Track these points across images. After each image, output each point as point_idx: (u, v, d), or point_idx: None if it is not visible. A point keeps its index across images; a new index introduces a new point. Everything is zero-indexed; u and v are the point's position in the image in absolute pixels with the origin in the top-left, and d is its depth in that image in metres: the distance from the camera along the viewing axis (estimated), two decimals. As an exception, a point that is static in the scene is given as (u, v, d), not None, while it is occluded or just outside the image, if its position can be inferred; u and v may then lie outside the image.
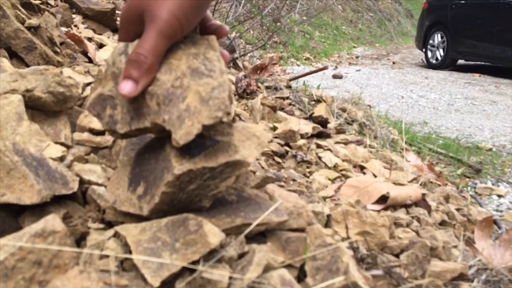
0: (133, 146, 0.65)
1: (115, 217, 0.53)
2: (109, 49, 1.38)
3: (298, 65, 6.41)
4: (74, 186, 0.55)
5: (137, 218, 0.52)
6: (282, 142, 1.11)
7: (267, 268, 0.48)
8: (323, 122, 1.30)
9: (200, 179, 0.49)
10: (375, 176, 1.09)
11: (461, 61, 7.04)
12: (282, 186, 0.81)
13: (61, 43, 1.18)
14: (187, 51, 0.51)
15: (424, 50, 7.30)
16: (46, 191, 0.50)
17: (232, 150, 0.51)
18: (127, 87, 0.49)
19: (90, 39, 1.39)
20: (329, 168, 1.08)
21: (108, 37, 1.54)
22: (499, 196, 2.03)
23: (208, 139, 0.51)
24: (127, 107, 0.53)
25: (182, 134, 0.47)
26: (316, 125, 1.24)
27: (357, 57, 8.14)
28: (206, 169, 0.49)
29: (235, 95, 1.47)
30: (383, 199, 0.88)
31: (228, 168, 0.50)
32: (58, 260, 0.43)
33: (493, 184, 2.18)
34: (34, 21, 1.03)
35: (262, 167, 0.93)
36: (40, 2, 1.37)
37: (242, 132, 0.53)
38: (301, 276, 0.53)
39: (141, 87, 0.50)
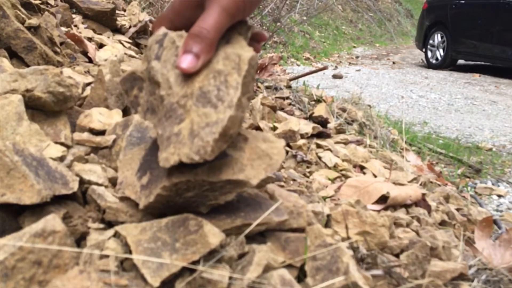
0: (133, 146, 0.65)
1: (115, 217, 0.53)
2: (109, 49, 1.38)
3: (298, 65, 6.41)
4: (74, 186, 0.55)
5: (136, 217, 0.52)
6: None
7: (267, 268, 0.48)
8: (323, 122, 1.30)
9: (198, 189, 0.49)
10: (375, 176, 1.09)
11: (461, 61, 7.04)
12: (282, 186, 0.81)
13: (61, 43, 1.18)
14: (212, 66, 0.49)
15: (424, 50, 7.31)
16: (46, 191, 0.50)
17: (237, 168, 0.49)
18: (186, 61, 0.48)
19: (90, 39, 1.39)
20: (329, 168, 1.08)
21: (108, 37, 1.54)
22: (499, 196, 2.03)
23: None
24: (148, 97, 0.53)
25: (163, 158, 0.46)
26: (316, 125, 1.24)
27: (357, 57, 8.14)
28: (206, 182, 0.48)
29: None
30: (383, 199, 0.88)
31: (230, 185, 0.49)
32: (58, 260, 0.43)
33: (493, 184, 2.18)
34: (34, 21, 1.03)
35: (262, 167, 0.93)
36: (40, 2, 1.37)
37: (255, 150, 0.51)
38: (301, 276, 0.53)
39: (201, 62, 0.48)
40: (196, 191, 0.49)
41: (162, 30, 0.54)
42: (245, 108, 0.48)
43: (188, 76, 0.49)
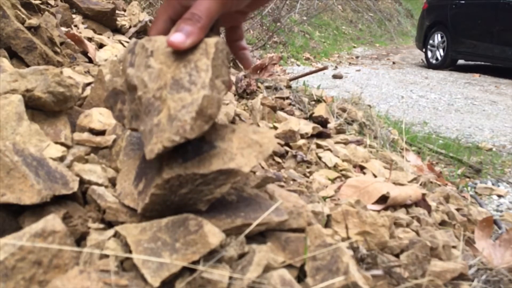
0: (133, 146, 0.65)
1: (115, 217, 0.53)
2: (109, 49, 1.38)
3: (298, 65, 6.41)
4: (74, 186, 0.55)
5: (136, 218, 0.52)
6: (282, 142, 1.11)
7: (267, 268, 0.48)
8: (323, 122, 1.30)
9: (191, 184, 0.49)
10: (375, 176, 1.09)
11: (461, 61, 7.04)
12: (282, 186, 0.81)
13: (61, 43, 1.18)
14: (181, 57, 0.50)
15: (424, 50, 7.30)
16: (46, 191, 0.50)
17: (227, 158, 0.49)
18: (176, 37, 0.50)
19: (90, 39, 1.39)
20: (329, 168, 1.08)
21: (108, 37, 1.54)
22: (499, 196, 2.03)
23: (206, 143, 0.51)
24: (130, 106, 0.54)
25: (148, 151, 0.47)
26: (316, 125, 1.24)
27: (357, 57, 8.14)
28: (197, 175, 0.48)
29: (235, 95, 1.47)
30: (383, 199, 0.88)
31: (222, 176, 0.49)
32: (58, 260, 0.43)
33: (493, 184, 2.18)
34: (34, 21, 1.03)
35: (262, 167, 0.93)
36: (40, 2, 1.37)
37: (244, 139, 0.52)
38: (301, 276, 0.53)
39: (189, 42, 0.50)
40: (190, 186, 0.49)
41: (133, 40, 0.56)
42: (221, 90, 0.49)
43: (160, 70, 0.50)
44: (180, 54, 0.51)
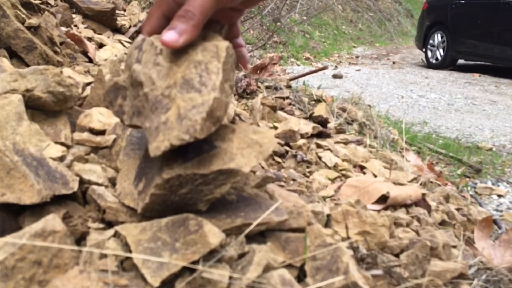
0: (133, 146, 0.65)
1: (115, 217, 0.53)
2: (109, 48, 1.38)
3: (298, 65, 6.41)
4: (74, 186, 0.55)
5: (136, 217, 0.52)
6: (282, 142, 1.11)
7: (267, 268, 0.48)
8: (323, 122, 1.30)
9: (191, 184, 0.49)
10: (375, 176, 1.09)
11: (461, 61, 7.04)
12: (282, 186, 0.81)
13: (61, 43, 1.18)
14: (191, 58, 0.50)
15: (424, 50, 7.31)
16: (46, 191, 0.50)
17: (227, 158, 0.49)
18: (169, 36, 0.49)
19: (90, 39, 1.39)
20: (329, 168, 1.08)
21: (108, 37, 1.54)
22: (499, 196, 2.03)
23: (206, 143, 0.51)
24: (132, 101, 0.54)
25: (153, 148, 0.47)
26: (316, 125, 1.24)
27: (357, 57, 8.14)
28: (197, 175, 0.48)
29: (235, 95, 1.47)
30: (383, 199, 0.88)
31: (222, 176, 0.49)
32: (58, 260, 0.43)
33: (493, 184, 2.18)
34: (34, 21, 1.03)
35: (262, 167, 0.93)
36: (40, 2, 1.37)
37: (244, 139, 0.52)
38: (301, 276, 0.53)
39: (183, 40, 0.50)
40: (190, 186, 0.49)
41: (140, 36, 0.56)
42: (228, 94, 0.50)
43: (170, 69, 0.50)
44: (190, 54, 0.51)
